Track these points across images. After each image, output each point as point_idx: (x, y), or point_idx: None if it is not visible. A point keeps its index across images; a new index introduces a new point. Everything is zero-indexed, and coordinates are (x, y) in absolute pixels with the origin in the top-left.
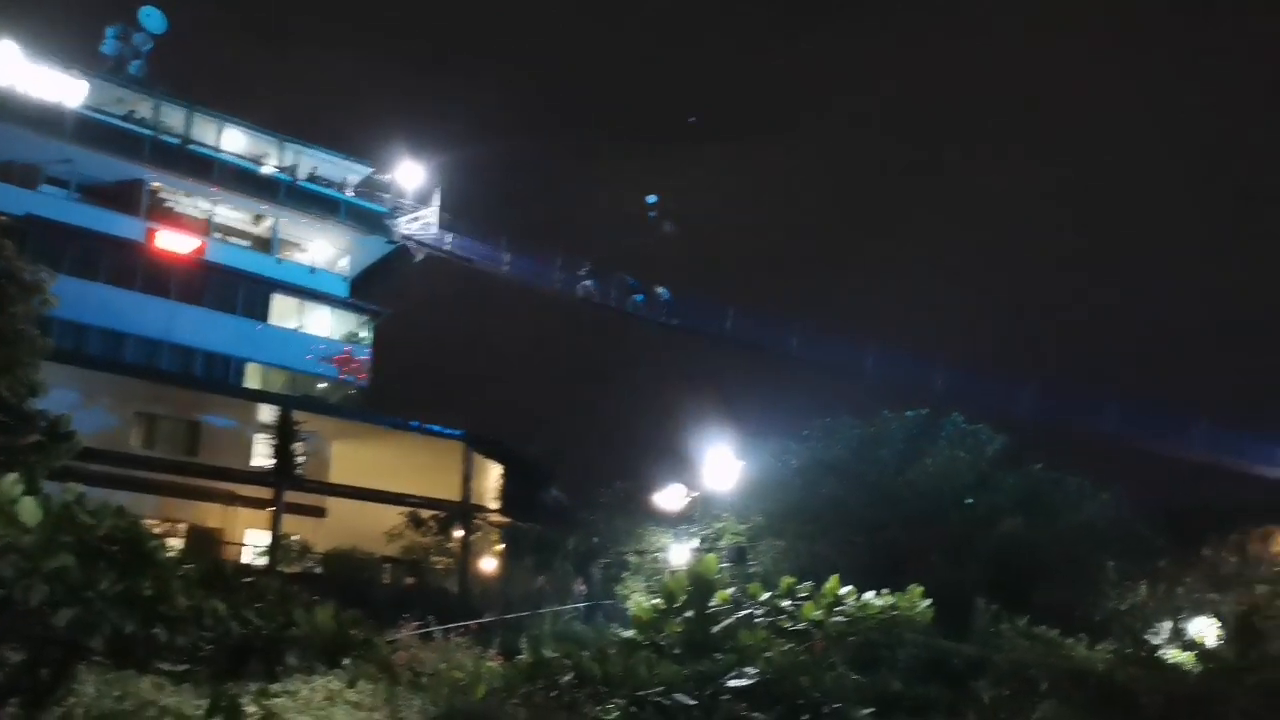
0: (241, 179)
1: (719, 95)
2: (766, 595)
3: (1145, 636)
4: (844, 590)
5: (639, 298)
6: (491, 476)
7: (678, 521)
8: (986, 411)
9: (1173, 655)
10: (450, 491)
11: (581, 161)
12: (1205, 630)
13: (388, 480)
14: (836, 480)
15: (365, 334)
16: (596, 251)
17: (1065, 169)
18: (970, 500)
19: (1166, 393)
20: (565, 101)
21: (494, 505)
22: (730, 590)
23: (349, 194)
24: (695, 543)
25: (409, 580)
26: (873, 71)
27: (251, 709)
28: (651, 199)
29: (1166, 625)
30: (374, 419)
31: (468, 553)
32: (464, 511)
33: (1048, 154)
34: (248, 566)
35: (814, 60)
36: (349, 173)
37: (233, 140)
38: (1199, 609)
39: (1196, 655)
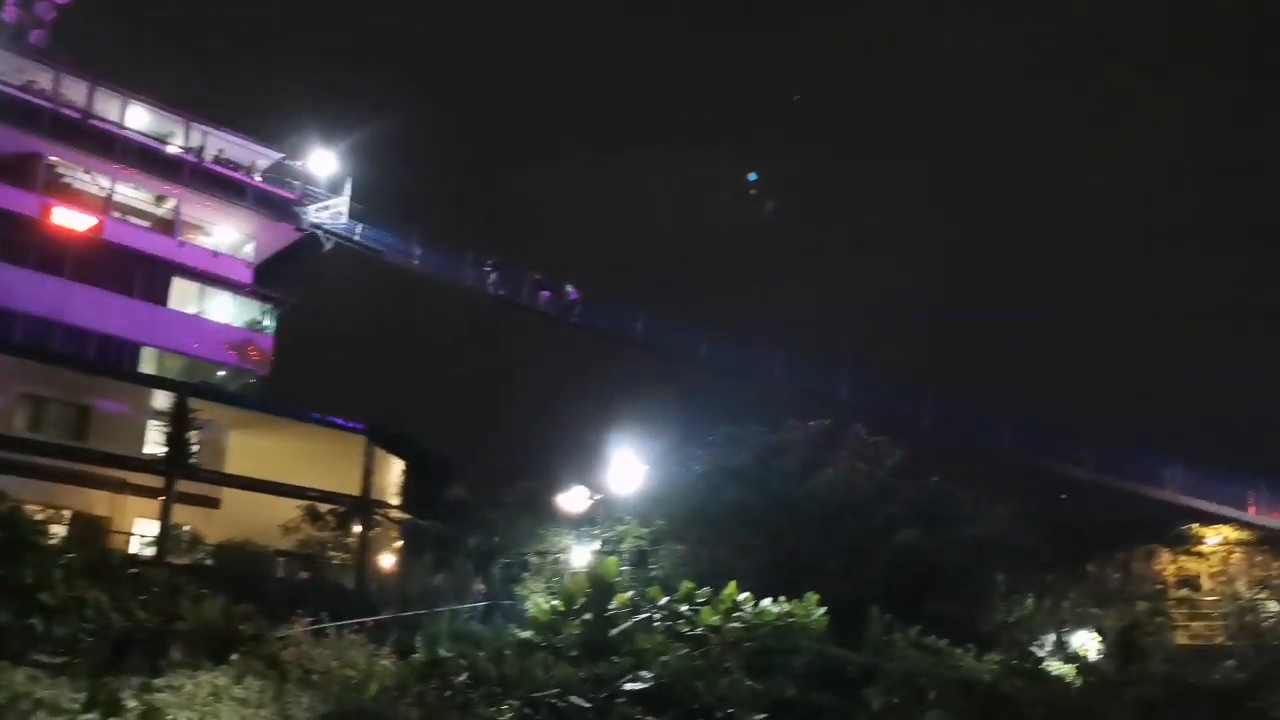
0: (145, 157)
1: (636, 100)
2: (665, 599)
3: (1031, 649)
4: (742, 596)
5: (547, 294)
6: (394, 472)
7: (580, 523)
8: (888, 424)
9: (1056, 667)
10: (350, 486)
11: (505, 159)
12: (1087, 644)
13: (286, 472)
14: (739, 487)
15: (268, 322)
16: (516, 251)
17: (973, 188)
18: (868, 510)
19: (1060, 413)
20: (480, 100)
21: (395, 501)
22: (629, 594)
23: (257, 178)
24: (597, 545)
25: (304, 575)
26: (788, 80)
27: (132, 704)
28: (752, 176)
29: (1051, 638)
30: (274, 409)
31: (366, 548)
32: (364, 506)
33: (960, 171)
34: (135, 557)
35: (738, 65)
36: (258, 157)
37: (137, 118)
38: (1082, 623)
39: (1078, 668)
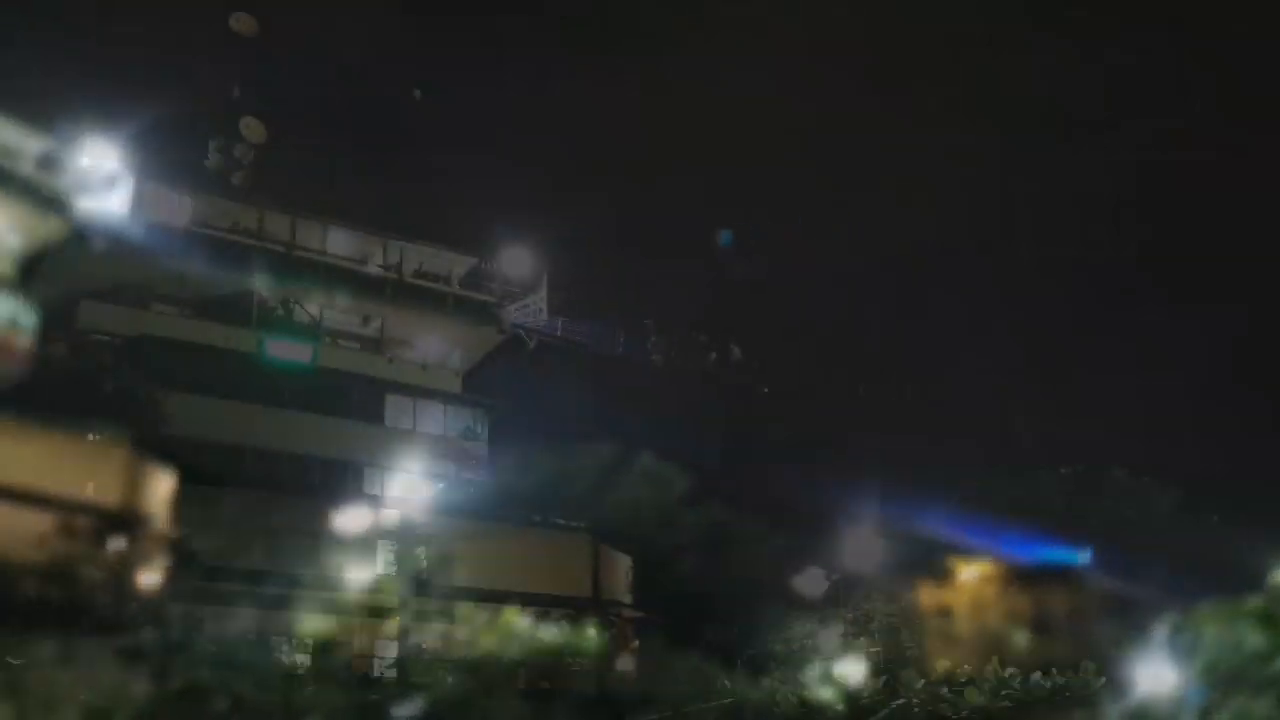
0: None
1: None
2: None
3: (798, 675)
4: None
5: None
6: None
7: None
8: (676, 454)
9: (822, 693)
10: None
11: None
12: (851, 671)
13: None
14: None
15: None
16: None
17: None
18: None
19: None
20: None
21: None
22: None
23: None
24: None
25: None
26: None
27: None
28: None
29: (819, 666)
30: None
31: None
32: None
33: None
34: None
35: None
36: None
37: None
38: (848, 651)
39: (844, 694)
